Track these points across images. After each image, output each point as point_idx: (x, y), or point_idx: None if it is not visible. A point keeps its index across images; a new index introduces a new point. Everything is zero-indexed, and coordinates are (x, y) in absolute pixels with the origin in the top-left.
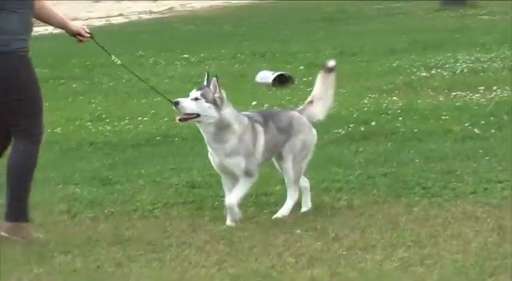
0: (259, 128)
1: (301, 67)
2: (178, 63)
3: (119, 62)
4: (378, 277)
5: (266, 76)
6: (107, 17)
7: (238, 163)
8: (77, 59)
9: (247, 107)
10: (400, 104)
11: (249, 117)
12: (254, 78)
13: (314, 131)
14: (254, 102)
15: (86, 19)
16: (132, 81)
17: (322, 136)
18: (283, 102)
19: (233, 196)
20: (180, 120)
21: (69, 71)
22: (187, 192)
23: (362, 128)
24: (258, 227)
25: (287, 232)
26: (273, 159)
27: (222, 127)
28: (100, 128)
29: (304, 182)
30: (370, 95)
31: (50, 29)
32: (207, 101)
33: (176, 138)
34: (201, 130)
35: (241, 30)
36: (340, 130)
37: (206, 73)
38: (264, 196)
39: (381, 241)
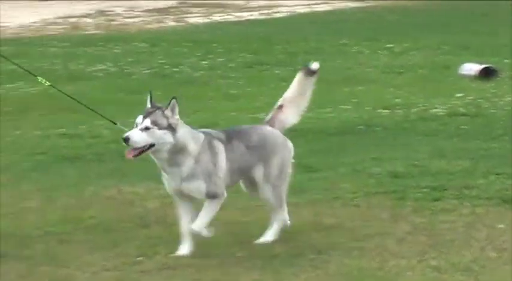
0: (219, 146)
1: (506, 60)
2: (381, 52)
3: (47, 83)
4: None
5: (472, 68)
6: (309, 4)
7: (197, 187)
8: (281, 45)
9: (450, 100)
10: None
11: (207, 134)
12: (458, 69)
13: (289, 144)
14: (459, 94)
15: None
16: (335, 69)
17: None
18: (488, 95)
19: (199, 222)
20: (134, 156)
21: (273, 57)
22: (389, 182)
23: None
24: (460, 219)
25: (490, 226)
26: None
27: (176, 151)
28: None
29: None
30: None
31: (255, 15)
32: (160, 128)
33: (378, 128)
34: (152, 157)
35: (446, 20)
36: None
37: (149, 93)
38: (466, 189)
39: None
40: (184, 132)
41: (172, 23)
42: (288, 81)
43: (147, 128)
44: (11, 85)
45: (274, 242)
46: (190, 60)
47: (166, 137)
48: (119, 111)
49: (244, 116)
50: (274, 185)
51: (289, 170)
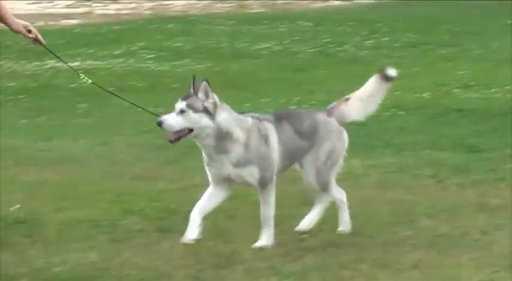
0: (270, 127)
1: None
2: None
3: (90, 81)
4: None
5: None
6: None
7: (250, 173)
8: (447, 25)
9: None
10: None
11: (255, 118)
12: None
13: (344, 136)
14: None
15: None
16: (501, 49)
17: None
18: None
19: (266, 213)
20: (171, 141)
21: (438, 36)
22: None
23: None
24: None
25: None
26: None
27: (221, 137)
28: (468, 95)
29: (340, 193)
30: None
31: None
32: (195, 112)
33: None
34: (199, 145)
35: None
36: None
37: (192, 77)
38: None
39: None
40: (227, 117)
41: (337, 2)
42: (453, 61)
43: (182, 111)
44: (176, 62)
45: (438, 222)
46: (355, 39)
47: (203, 121)
48: (283, 89)
49: (409, 96)
50: (319, 171)
51: (340, 159)
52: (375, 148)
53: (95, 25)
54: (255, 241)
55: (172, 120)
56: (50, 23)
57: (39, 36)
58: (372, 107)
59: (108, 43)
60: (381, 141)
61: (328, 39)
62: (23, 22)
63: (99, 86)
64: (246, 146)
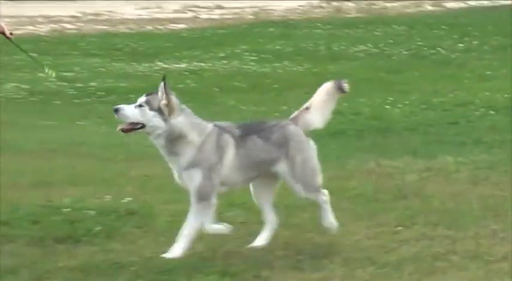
0: (229, 139)
1: None
2: None
3: (54, 74)
4: None
5: None
6: None
7: (193, 176)
8: None
9: None
10: None
11: (218, 127)
12: None
13: (312, 143)
14: None
15: None
16: None
17: None
18: None
19: (187, 228)
20: (122, 130)
21: None
22: None
23: None
24: None
25: None
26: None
27: (173, 139)
28: None
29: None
30: None
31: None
32: (151, 109)
33: None
34: (153, 143)
35: None
36: None
37: (163, 76)
38: None
39: None
40: (182, 120)
41: (430, 8)
42: None
43: (140, 106)
44: (276, 64)
45: None
46: (447, 42)
47: (155, 120)
48: (378, 89)
49: (499, 96)
50: (304, 183)
51: (317, 166)
52: (466, 145)
53: (200, 29)
54: (352, 233)
55: (129, 111)
56: (158, 27)
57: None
58: (328, 114)
59: (212, 46)
60: (471, 139)
61: (421, 42)
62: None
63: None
64: (199, 149)
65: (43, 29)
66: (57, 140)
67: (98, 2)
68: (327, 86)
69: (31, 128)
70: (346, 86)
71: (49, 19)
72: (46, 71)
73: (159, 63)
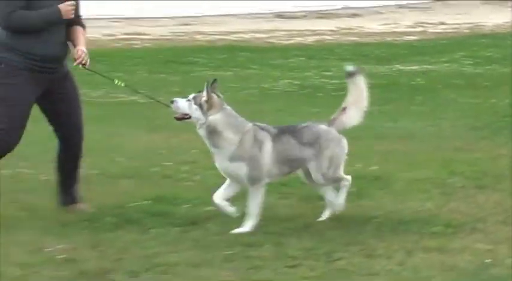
0: (266, 136)
1: None
2: None
3: (123, 84)
4: None
5: None
6: None
7: (240, 168)
8: None
9: None
10: None
11: (256, 126)
12: None
13: (343, 142)
14: None
15: None
16: None
17: None
18: None
19: (252, 207)
20: (176, 118)
21: None
22: None
23: None
24: None
25: None
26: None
27: (211, 132)
28: None
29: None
30: None
31: None
32: (195, 104)
33: None
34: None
35: None
36: None
37: (213, 80)
38: None
39: None
40: (220, 117)
41: None
42: None
43: (188, 100)
44: (488, 67)
45: None
46: None
47: (197, 113)
48: None
49: None
50: (326, 176)
51: (342, 163)
52: None
53: (428, 40)
54: None
55: (181, 104)
56: (396, 38)
57: (83, 61)
58: (364, 104)
59: (437, 53)
60: None
61: None
62: (80, 47)
63: (133, 89)
64: (238, 145)
65: (309, 39)
66: None
67: (351, 19)
68: (347, 83)
69: (301, 113)
70: (349, 68)
71: (314, 32)
72: (116, 82)
73: (396, 65)
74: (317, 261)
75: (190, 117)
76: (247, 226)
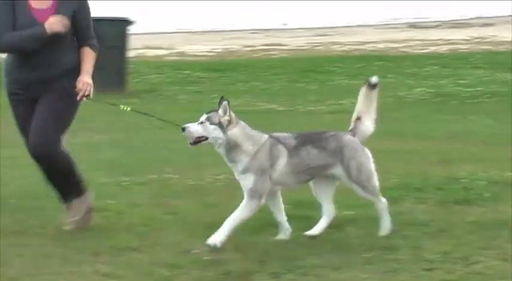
0: (282, 152)
1: None
2: None
3: (129, 108)
4: None
5: None
6: None
7: (246, 180)
8: None
9: None
10: None
11: (273, 138)
12: None
13: (366, 151)
14: None
15: None
16: None
17: None
18: None
19: (231, 217)
20: (191, 144)
21: None
22: None
23: None
24: None
25: None
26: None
27: (231, 147)
28: None
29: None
30: None
31: None
32: (211, 124)
33: None
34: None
35: None
36: None
37: (219, 99)
38: None
39: None
40: (238, 132)
41: None
42: None
43: (201, 123)
44: None
45: None
46: None
47: (216, 132)
48: None
49: None
50: (362, 184)
51: (374, 172)
52: None
53: None
54: None
55: (193, 129)
56: None
57: (87, 93)
58: (375, 114)
59: None
60: None
61: None
62: (83, 77)
63: (138, 112)
64: (253, 157)
65: (443, 48)
66: (454, 129)
67: (483, 29)
68: (362, 91)
69: (434, 120)
70: (373, 79)
71: (447, 41)
72: (122, 107)
73: None
74: (454, 264)
75: (207, 139)
76: (214, 240)
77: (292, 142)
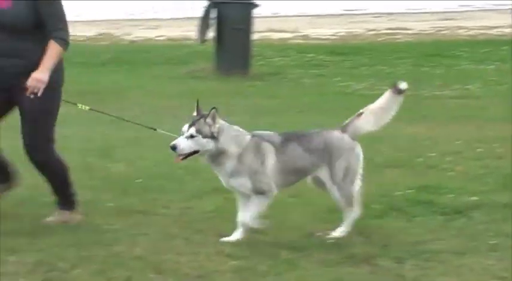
0: (268, 147)
1: None
2: None
3: (87, 107)
4: None
5: None
6: None
7: (243, 183)
8: None
9: None
10: None
11: (257, 137)
12: None
13: (357, 150)
14: None
15: None
16: None
17: None
18: None
19: (247, 215)
20: (181, 160)
21: None
22: None
23: None
24: None
25: None
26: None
27: (217, 154)
28: None
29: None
30: None
31: None
32: (204, 137)
33: None
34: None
35: None
36: None
37: (196, 102)
38: None
39: None
40: (226, 138)
41: None
42: None
43: (192, 136)
44: None
45: None
46: None
47: (209, 145)
48: None
49: None
50: (341, 187)
51: (359, 173)
52: None
53: None
54: None
55: (185, 145)
56: None
57: (35, 90)
58: (385, 119)
59: None
60: None
61: None
62: (35, 73)
63: (98, 111)
64: (238, 160)
65: None
66: None
67: None
68: (386, 95)
69: None
70: (403, 85)
71: None
72: (79, 106)
73: None
74: None
75: (197, 152)
76: (236, 235)
77: (277, 140)
